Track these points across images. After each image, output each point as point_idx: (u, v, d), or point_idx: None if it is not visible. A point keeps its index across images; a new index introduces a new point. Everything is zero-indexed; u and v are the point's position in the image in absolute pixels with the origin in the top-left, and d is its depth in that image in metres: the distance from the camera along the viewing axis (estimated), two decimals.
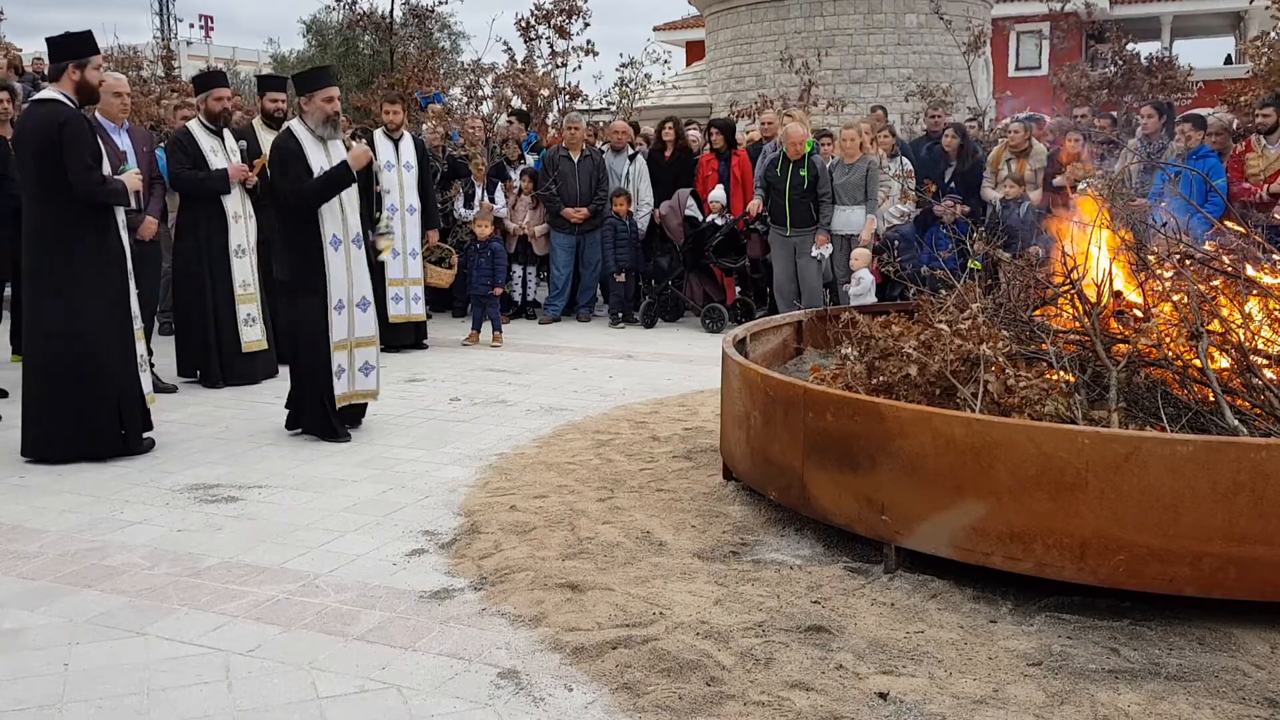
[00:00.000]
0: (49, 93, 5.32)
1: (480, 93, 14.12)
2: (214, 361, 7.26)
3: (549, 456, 5.48)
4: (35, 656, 3.30)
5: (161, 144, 7.96)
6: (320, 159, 5.64)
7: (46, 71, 5.52)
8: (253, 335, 7.37)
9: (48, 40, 5.38)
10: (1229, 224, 4.94)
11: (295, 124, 5.73)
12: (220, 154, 7.32)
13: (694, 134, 11.01)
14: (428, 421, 6.33)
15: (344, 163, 5.64)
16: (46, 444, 5.40)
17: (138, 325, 5.61)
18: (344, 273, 5.72)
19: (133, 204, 5.90)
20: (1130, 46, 15.52)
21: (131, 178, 5.55)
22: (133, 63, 16.77)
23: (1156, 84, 14.61)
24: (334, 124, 5.74)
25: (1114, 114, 11.52)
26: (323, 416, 5.79)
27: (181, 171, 7.21)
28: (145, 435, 5.65)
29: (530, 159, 10.86)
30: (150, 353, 6.15)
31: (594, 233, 10.11)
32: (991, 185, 9.66)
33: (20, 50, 13.11)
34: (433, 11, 15.97)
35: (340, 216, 5.71)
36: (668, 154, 10.51)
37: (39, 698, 3.05)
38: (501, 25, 21.71)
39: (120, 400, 5.45)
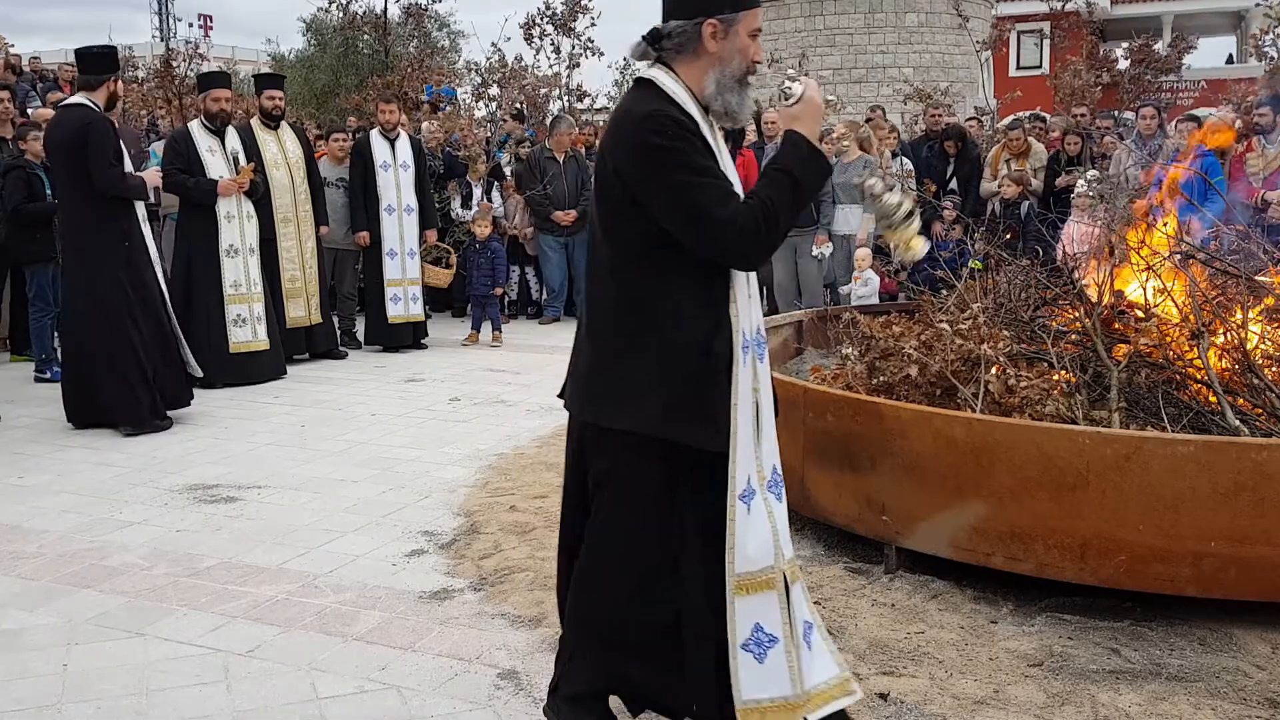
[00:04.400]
0: (79, 99, 6.04)
1: (488, 93, 14.12)
2: (209, 362, 7.25)
3: (549, 456, 5.47)
4: (35, 656, 3.30)
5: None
6: None
7: (76, 78, 6.37)
8: (242, 336, 7.35)
9: (91, 51, 6.10)
10: (1228, 225, 4.94)
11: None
12: (219, 154, 7.34)
13: None
14: (428, 422, 6.32)
15: None
16: (84, 410, 6.03)
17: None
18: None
19: (151, 198, 6.59)
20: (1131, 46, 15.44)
21: (151, 174, 6.32)
22: (129, 64, 16.90)
23: (1148, 81, 14.50)
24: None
25: (1114, 113, 11.48)
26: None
27: (173, 175, 7.21)
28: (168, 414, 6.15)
29: (504, 158, 10.90)
30: None
31: (580, 233, 10.15)
32: (989, 182, 9.65)
33: (12, 45, 13.10)
34: (426, 10, 15.94)
35: None
36: None
37: (39, 698, 3.04)
38: (514, 25, 21.51)
39: (155, 373, 6.04)
